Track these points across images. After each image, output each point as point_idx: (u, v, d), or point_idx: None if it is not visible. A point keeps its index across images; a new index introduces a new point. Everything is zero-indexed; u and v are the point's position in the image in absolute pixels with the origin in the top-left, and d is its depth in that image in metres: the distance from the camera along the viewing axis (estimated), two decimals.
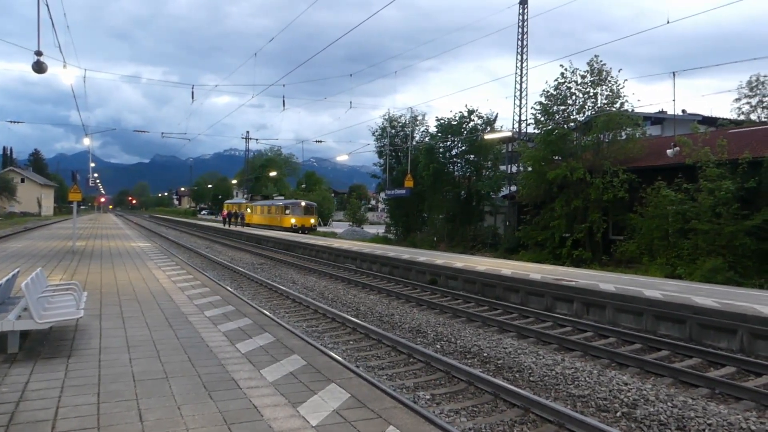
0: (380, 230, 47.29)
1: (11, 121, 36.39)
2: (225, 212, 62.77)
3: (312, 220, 48.81)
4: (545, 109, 27.19)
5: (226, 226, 54.26)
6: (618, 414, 6.82)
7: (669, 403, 7.00)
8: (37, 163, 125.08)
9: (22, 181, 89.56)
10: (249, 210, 60.58)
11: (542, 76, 27.58)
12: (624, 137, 25.58)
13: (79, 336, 7.37)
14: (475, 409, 6.93)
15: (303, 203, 49.70)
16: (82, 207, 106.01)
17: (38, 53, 14.08)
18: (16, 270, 8.95)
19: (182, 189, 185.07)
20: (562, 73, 26.29)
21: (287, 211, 48.95)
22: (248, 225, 56.15)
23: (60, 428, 4.33)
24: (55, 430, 4.31)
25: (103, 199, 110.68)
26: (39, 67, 14.21)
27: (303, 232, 44.65)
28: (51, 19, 14.48)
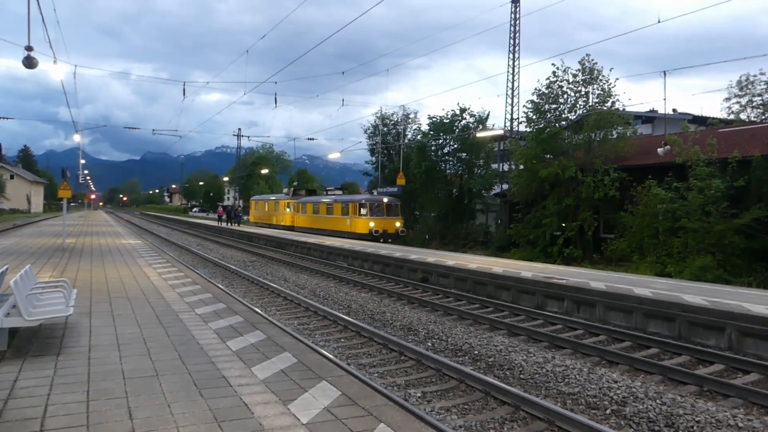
0: None
1: (0, 117, 36.00)
2: (220, 210, 57.96)
3: (397, 224, 33.31)
4: (537, 108, 27.31)
5: (221, 224, 50.60)
6: (608, 411, 6.86)
7: (658, 401, 7.05)
8: (26, 159, 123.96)
9: (12, 177, 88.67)
10: (289, 209, 44.43)
11: (532, 75, 27.73)
12: (615, 136, 25.75)
13: (69, 334, 7.32)
14: (465, 406, 6.95)
15: (385, 200, 33.98)
16: (72, 204, 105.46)
17: (28, 48, 13.96)
18: (5, 267, 8.88)
19: (173, 186, 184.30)
20: (554, 72, 26.41)
21: (363, 211, 33.54)
22: (291, 229, 42.07)
23: (49, 426, 4.31)
24: (44, 428, 4.28)
25: (93, 196, 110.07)
26: (29, 63, 14.09)
27: (385, 241, 31.44)
28: (41, 14, 14.35)
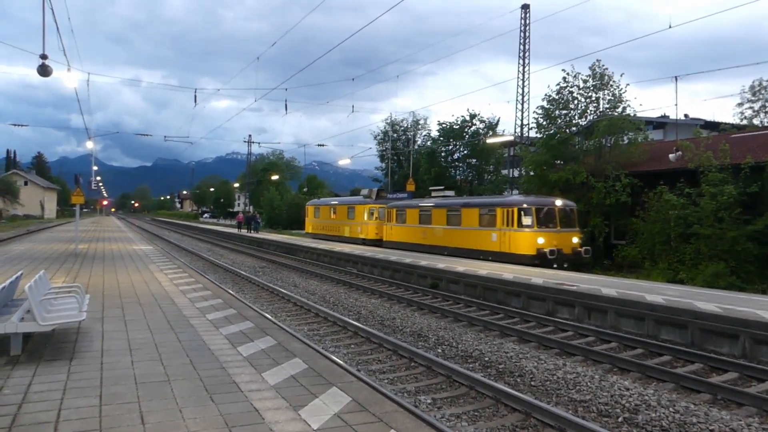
0: None
1: (15, 124, 36.51)
2: (240, 217, 56.20)
3: (574, 239, 21.72)
4: (547, 114, 27.26)
5: (241, 231, 47.88)
6: (620, 419, 6.81)
7: (671, 409, 6.99)
8: (40, 166, 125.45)
9: (26, 183, 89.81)
10: (373, 216, 32.62)
11: (539, 81, 27.74)
12: (626, 141, 25.64)
13: (82, 338, 7.39)
14: (476, 413, 6.93)
15: (558, 202, 21.96)
16: (84, 210, 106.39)
17: (43, 57, 14.12)
18: (20, 272, 8.97)
19: (184, 192, 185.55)
20: (564, 78, 26.37)
21: (525, 220, 21.30)
22: (377, 244, 31.09)
23: (62, 430, 4.34)
24: None
25: (105, 202, 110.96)
26: (44, 71, 14.24)
27: (560, 266, 20.36)
28: (56, 22, 14.55)
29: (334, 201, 40.32)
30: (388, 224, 30.50)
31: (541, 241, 20.75)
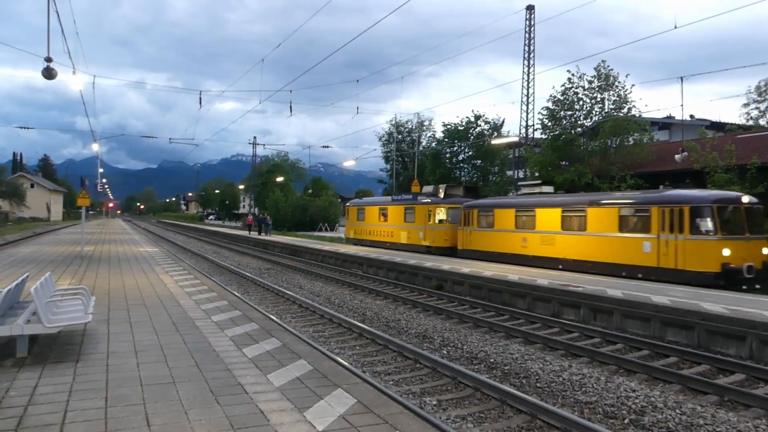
0: None
1: (21, 127, 36.65)
2: (250, 219, 55.26)
3: (765, 249, 15.18)
4: (552, 115, 27.25)
5: (251, 234, 46.57)
6: (626, 421, 6.78)
7: (677, 410, 6.95)
8: (46, 168, 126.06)
9: (32, 186, 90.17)
10: (437, 217, 26.39)
11: (544, 82, 27.54)
12: (631, 142, 25.60)
13: (87, 340, 7.41)
14: (481, 415, 6.91)
15: (745, 199, 15.46)
16: (90, 212, 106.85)
17: (48, 59, 14.17)
18: (25, 275, 9.00)
19: (189, 194, 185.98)
20: (569, 78, 26.35)
21: (703, 225, 14.97)
22: (448, 253, 25.11)
23: None
24: None
25: (111, 205, 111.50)
26: (49, 74, 14.29)
27: (751, 287, 14.42)
28: (61, 25, 14.62)
29: (385, 201, 33.34)
30: (466, 228, 24.20)
31: (726, 252, 14.69)
